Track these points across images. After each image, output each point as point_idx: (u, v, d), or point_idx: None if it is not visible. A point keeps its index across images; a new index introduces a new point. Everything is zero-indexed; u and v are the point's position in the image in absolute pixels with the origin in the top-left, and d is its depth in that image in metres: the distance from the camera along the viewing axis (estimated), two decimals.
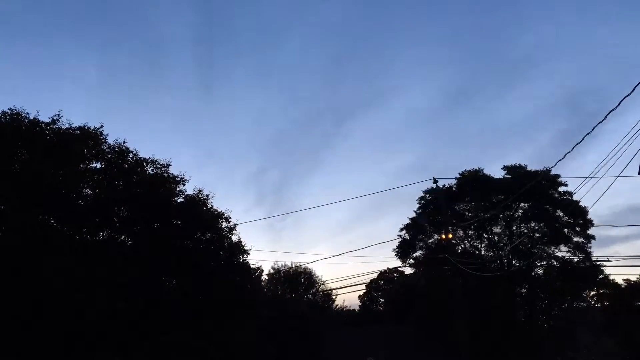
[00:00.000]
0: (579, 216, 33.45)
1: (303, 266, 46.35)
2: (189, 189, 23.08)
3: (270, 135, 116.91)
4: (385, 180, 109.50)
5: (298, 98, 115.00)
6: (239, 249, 23.88)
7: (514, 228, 35.66)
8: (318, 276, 48.98)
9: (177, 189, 22.47)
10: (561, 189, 34.52)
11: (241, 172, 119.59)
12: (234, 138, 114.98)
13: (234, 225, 23.71)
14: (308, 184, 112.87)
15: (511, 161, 46.10)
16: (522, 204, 34.97)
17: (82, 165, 20.63)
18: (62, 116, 20.16)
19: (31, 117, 19.73)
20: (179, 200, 22.56)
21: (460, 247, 35.11)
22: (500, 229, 35.97)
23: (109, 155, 21.20)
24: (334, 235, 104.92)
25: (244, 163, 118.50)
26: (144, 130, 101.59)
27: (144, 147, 52.04)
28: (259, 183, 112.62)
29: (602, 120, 12.16)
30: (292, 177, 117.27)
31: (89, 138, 20.57)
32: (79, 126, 20.47)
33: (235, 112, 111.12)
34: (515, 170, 35.39)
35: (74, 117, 34.36)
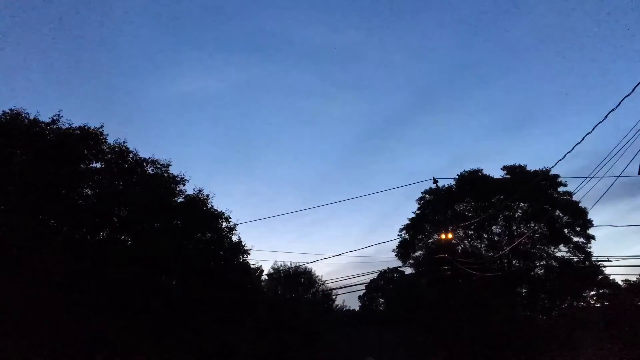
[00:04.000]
0: (579, 216, 33.50)
1: (303, 266, 46.41)
2: (189, 189, 23.13)
3: None
4: None
5: None
6: (239, 249, 23.93)
7: (514, 228, 35.69)
8: (318, 276, 49.03)
9: (177, 189, 22.48)
10: (561, 189, 34.62)
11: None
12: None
13: (234, 225, 23.79)
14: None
15: None
16: (521, 204, 35.02)
17: (82, 165, 20.62)
18: (62, 116, 20.19)
19: (31, 117, 19.75)
20: (179, 200, 22.57)
21: (460, 247, 35.14)
22: (500, 229, 36.03)
23: (109, 155, 21.18)
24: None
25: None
26: None
27: None
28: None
29: (602, 120, 12.24)
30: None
31: (89, 138, 20.56)
32: (79, 126, 20.47)
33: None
34: (514, 171, 35.47)
35: None
